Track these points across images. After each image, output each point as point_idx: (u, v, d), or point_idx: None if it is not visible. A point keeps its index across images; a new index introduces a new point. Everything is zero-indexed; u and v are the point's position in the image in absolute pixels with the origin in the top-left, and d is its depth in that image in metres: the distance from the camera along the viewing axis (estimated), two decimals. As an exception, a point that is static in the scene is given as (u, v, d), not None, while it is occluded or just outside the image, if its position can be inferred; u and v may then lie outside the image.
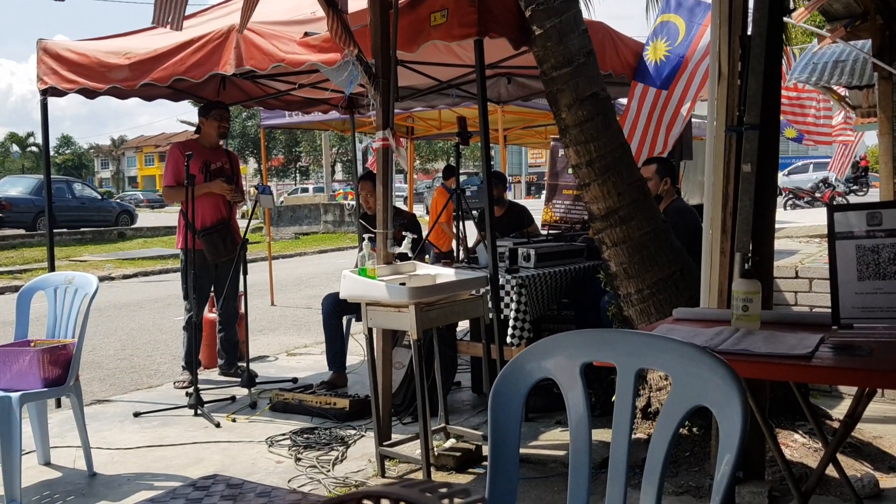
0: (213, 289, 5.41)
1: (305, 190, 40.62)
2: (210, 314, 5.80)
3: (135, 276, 13.40)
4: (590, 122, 3.59)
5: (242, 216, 30.68)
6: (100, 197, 24.53)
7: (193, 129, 5.58)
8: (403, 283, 3.38)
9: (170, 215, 25.25)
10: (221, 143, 5.55)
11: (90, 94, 4.99)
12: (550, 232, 5.92)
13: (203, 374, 5.56)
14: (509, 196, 7.40)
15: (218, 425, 4.31)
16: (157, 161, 69.28)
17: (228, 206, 5.33)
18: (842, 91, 8.44)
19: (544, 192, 7.28)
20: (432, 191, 5.45)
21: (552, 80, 3.63)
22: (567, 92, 3.60)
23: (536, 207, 7.30)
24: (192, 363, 4.97)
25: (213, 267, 5.27)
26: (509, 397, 1.44)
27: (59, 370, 3.41)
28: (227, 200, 5.32)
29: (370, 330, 3.51)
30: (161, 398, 5.03)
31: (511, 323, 4.11)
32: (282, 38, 4.11)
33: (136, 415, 4.60)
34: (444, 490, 0.89)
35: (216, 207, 5.17)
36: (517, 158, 58.96)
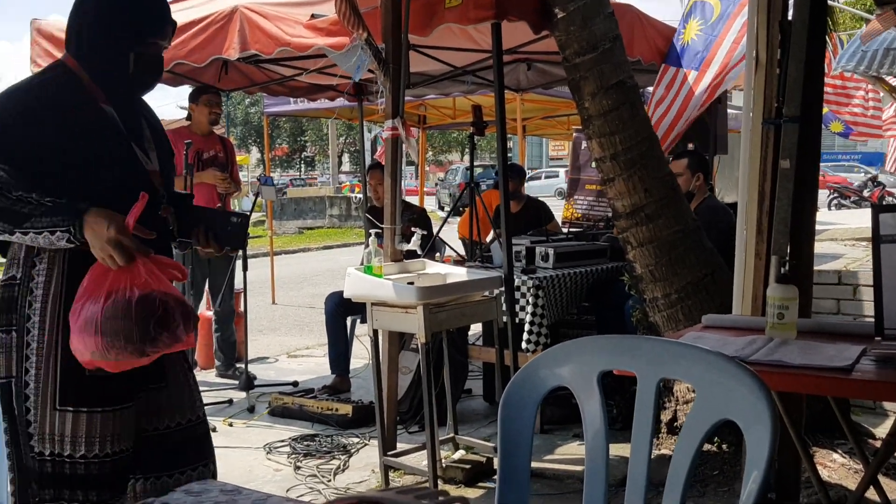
0: (207, 284, 5.43)
1: (301, 182, 40.81)
2: (206, 312, 5.82)
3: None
4: (615, 112, 3.57)
5: (253, 210, 30.97)
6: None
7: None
8: (412, 283, 3.38)
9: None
10: (218, 129, 5.57)
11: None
12: (571, 230, 5.89)
13: (199, 375, 5.56)
14: (527, 191, 7.35)
15: (214, 429, 4.32)
16: (155, 149, 69.67)
17: (223, 197, 5.35)
18: (893, 81, 8.35)
19: (564, 186, 7.24)
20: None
21: (575, 66, 3.61)
22: (591, 79, 3.58)
23: (557, 203, 7.26)
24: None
25: (207, 261, 5.29)
26: (521, 406, 1.43)
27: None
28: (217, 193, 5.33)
29: (375, 332, 3.51)
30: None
31: (526, 327, 4.10)
32: (287, 20, 4.11)
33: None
34: (441, 499, 0.88)
35: (209, 198, 5.17)
36: (537, 150, 58.86)
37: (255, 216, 18.51)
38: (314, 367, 6.01)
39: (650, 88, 5.66)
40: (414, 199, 8.58)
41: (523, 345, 4.08)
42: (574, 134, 7.36)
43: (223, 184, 5.24)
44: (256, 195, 5.58)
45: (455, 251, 5.28)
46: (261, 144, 45.86)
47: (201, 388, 5.56)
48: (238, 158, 6.02)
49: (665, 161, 3.74)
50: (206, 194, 5.18)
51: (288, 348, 6.83)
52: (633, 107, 3.61)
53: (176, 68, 4.81)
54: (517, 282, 4.11)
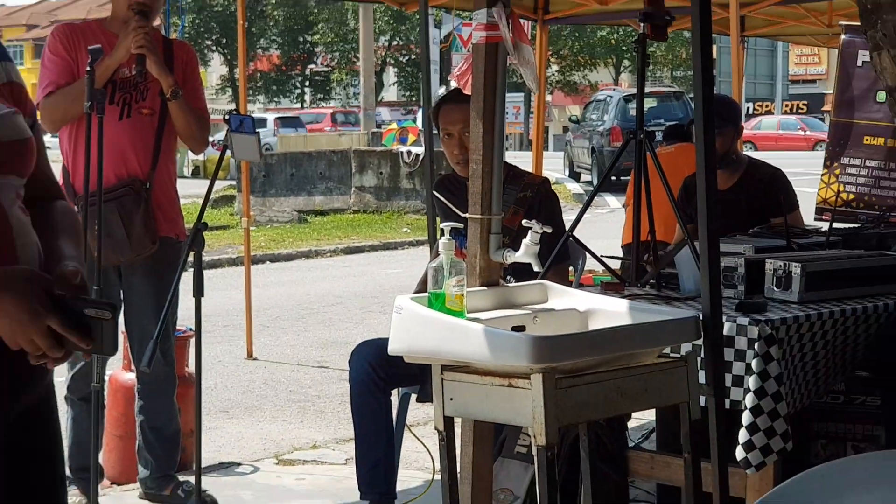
0: (122, 322, 5.54)
1: (303, 124, 41.40)
2: (123, 375, 5.92)
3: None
4: (930, -3, 3.51)
5: (197, 172, 31.29)
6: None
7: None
8: (522, 327, 3.38)
9: (56, 168, 26.46)
10: (158, 23, 5.68)
11: None
12: (836, 226, 5.82)
13: (110, 497, 5.70)
14: (747, 149, 7.23)
15: None
16: (31, 58, 71.74)
17: (153, 151, 5.39)
18: None
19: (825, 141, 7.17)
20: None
21: None
22: (882, -69, 3.53)
23: (807, 171, 7.20)
24: (87, 473, 5.10)
25: (118, 276, 5.39)
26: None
27: None
28: (148, 139, 5.38)
29: (449, 421, 3.53)
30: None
31: (746, 419, 4.07)
32: None
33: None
34: None
35: (121, 152, 5.24)
36: (766, 66, 58.38)
37: (218, 188, 18.62)
38: (328, 484, 6.07)
39: None
40: (525, 162, 8.60)
41: (739, 453, 4.05)
42: (843, 37, 7.27)
43: (140, 36, 5.16)
44: (223, 151, 5.66)
45: (605, 264, 5.27)
46: (229, 50, 46.71)
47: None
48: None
49: None
50: (117, 143, 5.21)
51: (278, 446, 6.92)
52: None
53: None
54: (729, 329, 4.09)
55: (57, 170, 5.59)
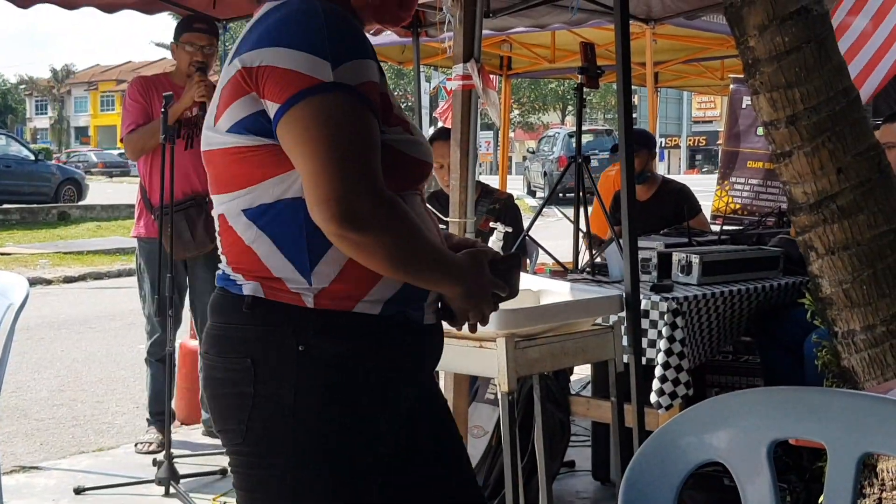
0: (188, 303, 5.54)
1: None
2: (189, 342, 5.93)
3: (82, 278, 13.83)
4: (795, 55, 3.52)
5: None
6: (33, 157, 25.41)
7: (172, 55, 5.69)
8: (489, 304, 3.39)
9: (135, 187, 26.29)
10: (212, 75, 5.68)
11: None
12: (726, 228, 5.84)
13: (179, 434, 5.71)
14: (661, 169, 7.31)
15: (199, 512, 4.42)
16: (120, 104, 71.53)
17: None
18: None
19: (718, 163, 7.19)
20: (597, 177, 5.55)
21: (735, -15, 3.58)
22: (759, 4, 3.54)
23: (705, 188, 7.21)
24: (163, 416, 5.10)
25: (184, 267, 5.40)
26: (652, 490, 1.43)
27: (-32, 418, 3.55)
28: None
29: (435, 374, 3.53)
30: (116, 467, 5.18)
31: (658, 372, 4.08)
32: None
33: (79, 491, 4.75)
34: None
35: (186, 174, 5.25)
36: (675, 110, 58.42)
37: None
38: (344, 423, 6.07)
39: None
40: (493, 181, 8.61)
41: (653, 398, 4.06)
42: (732, 86, 7.30)
43: (202, 89, 5.15)
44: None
45: (553, 257, 5.28)
46: (270, 99, 46.44)
47: (182, 451, 5.66)
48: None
49: (868, 127, 3.67)
50: (183, 168, 5.20)
51: (307, 395, 6.91)
52: (822, 47, 3.55)
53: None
54: (645, 304, 4.10)
55: (135, 188, 5.65)
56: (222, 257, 2.08)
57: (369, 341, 1.96)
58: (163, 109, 4.81)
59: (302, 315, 1.94)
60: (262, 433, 1.96)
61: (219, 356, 2.02)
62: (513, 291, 2.12)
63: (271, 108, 1.88)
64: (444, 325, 2.13)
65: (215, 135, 2.00)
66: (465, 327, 2.11)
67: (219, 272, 2.09)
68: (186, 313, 5.57)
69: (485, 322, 2.07)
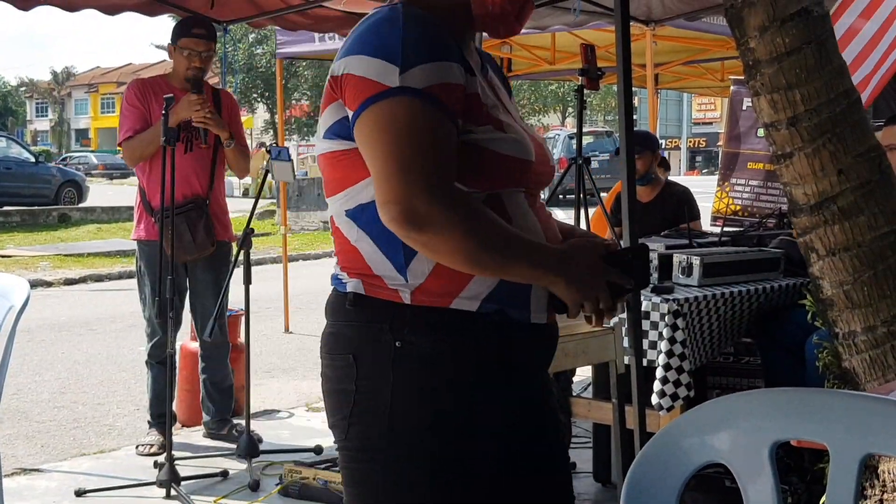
0: (188, 305, 5.54)
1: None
2: (190, 344, 5.93)
3: (82, 280, 13.84)
4: (795, 56, 3.52)
5: (246, 193, 31.37)
6: (33, 159, 25.43)
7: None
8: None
9: (136, 189, 26.32)
10: (211, 79, 5.68)
11: (23, 1, 5.17)
12: (726, 230, 5.83)
13: (180, 436, 5.71)
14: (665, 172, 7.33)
15: (200, 515, 4.41)
16: (120, 106, 71.51)
17: (209, 176, 5.45)
18: None
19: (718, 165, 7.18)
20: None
21: (736, -13, 3.58)
22: (759, 6, 3.54)
23: (705, 190, 7.21)
24: (163, 418, 5.10)
25: (185, 269, 5.40)
26: (655, 492, 1.43)
27: (-32, 421, 3.55)
28: (206, 166, 5.42)
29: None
30: (117, 469, 5.18)
31: (659, 373, 4.08)
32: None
33: (80, 493, 4.75)
34: None
35: (186, 177, 5.25)
36: (675, 111, 58.40)
37: (262, 204, 18.71)
38: (345, 425, 6.07)
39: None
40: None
41: (654, 399, 4.06)
42: (732, 87, 7.29)
43: (200, 113, 5.21)
44: (265, 175, 5.67)
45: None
46: (271, 100, 46.65)
47: (183, 453, 5.66)
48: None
49: (869, 129, 3.67)
50: (183, 171, 5.21)
51: (308, 397, 6.92)
52: (823, 48, 3.55)
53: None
54: (646, 306, 4.10)
55: (134, 191, 5.65)
56: (334, 258, 2.15)
57: (466, 338, 1.98)
58: (163, 112, 4.81)
59: (399, 311, 1.97)
60: (363, 429, 2.01)
61: (328, 354, 2.10)
62: (639, 283, 2.12)
63: (349, 114, 1.96)
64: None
65: (318, 141, 2.10)
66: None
67: (332, 273, 2.15)
68: (186, 315, 5.57)
69: (607, 314, 2.03)
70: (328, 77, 2.04)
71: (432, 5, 2.05)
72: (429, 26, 1.97)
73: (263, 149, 5.39)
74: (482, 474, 2.01)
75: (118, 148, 5.57)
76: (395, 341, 1.96)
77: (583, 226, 5.25)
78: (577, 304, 2.00)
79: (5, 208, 21.97)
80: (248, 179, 31.64)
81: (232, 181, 26.51)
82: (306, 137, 56.72)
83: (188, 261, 5.37)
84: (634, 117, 4.81)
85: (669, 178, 6.62)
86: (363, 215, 2.01)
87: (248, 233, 5.06)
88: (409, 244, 1.92)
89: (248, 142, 6.37)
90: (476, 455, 2.00)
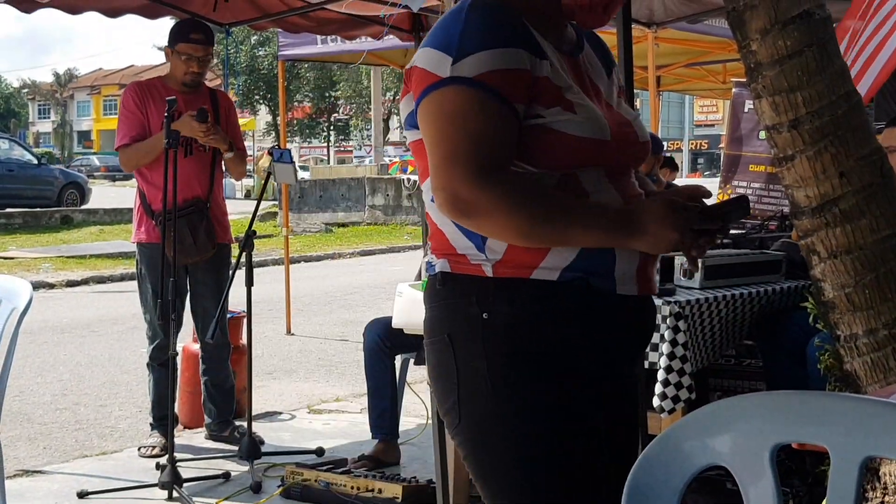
0: (189, 306, 5.54)
1: (342, 161, 41.15)
2: (191, 346, 5.93)
3: (85, 282, 13.87)
4: (797, 59, 3.52)
5: (248, 195, 31.37)
6: (35, 161, 25.46)
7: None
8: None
9: (131, 189, 26.27)
10: (213, 81, 5.69)
11: (27, 4, 5.18)
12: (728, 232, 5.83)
13: (182, 438, 5.71)
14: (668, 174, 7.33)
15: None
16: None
17: (209, 179, 5.45)
18: None
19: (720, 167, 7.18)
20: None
21: (737, -11, 3.58)
22: (761, 8, 3.54)
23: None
24: (166, 420, 5.10)
25: (185, 272, 5.40)
26: (656, 494, 1.43)
27: (-29, 422, 3.55)
28: (205, 170, 5.43)
29: (438, 378, 3.53)
30: (119, 471, 5.18)
31: (660, 376, 4.08)
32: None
33: (82, 495, 4.75)
34: None
35: (187, 180, 5.24)
36: (677, 113, 58.41)
37: (264, 206, 18.73)
38: (347, 427, 6.08)
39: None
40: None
41: (655, 401, 4.05)
42: (734, 90, 7.29)
43: (205, 135, 5.22)
44: (266, 177, 5.68)
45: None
46: (273, 102, 46.70)
47: (185, 455, 5.66)
48: (240, 122, 6.13)
49: (871, 131, 3.67)
50: (184, 174, 5.21)
51: (310, 399, 6.93)
52: (825, 50, 3.55)
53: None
54: (647, 308, 4.09)
55: (133, 193, 5.66)
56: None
57: (547, 306, 2.02)
58: (165, 114, 4.80)
59: (483, 284, 2.03)
60: (473, 407, 2.04)
61: (428, 339, 2.14)
62: (728, 226, 2.19)
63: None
64: None
65: (405, 132, 2.17)
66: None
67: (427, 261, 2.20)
68: (187, 317, 5.57)
69: (697, 255, 2.07)
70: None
71: None
72: (493, 14, 2.02)
73: (267, 154, 5.39)
74: (580, 435, 2.04)
75: (116, 152, 5.58)
76: (482, 313, 2.01)
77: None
78: (661, 251, 2.06)
79: (8, 210, 21.98)
80: (249, 181, 31.74)
81: (234, 183, 26.50)
82: (308, 139, 56.72)
83: (189, 263, 5.37)
84: (636, 120, 4.79)
85: (671, 181, 6.62)
86: None
87: (250, 235, 5.07)
88: (463, 226, 2.00)
89: (250, 143, 6.38)
90: (571, 416, 2.03)
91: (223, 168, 5.61)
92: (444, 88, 1.97)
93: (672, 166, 7.19)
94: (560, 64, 2.09)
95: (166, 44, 5.47)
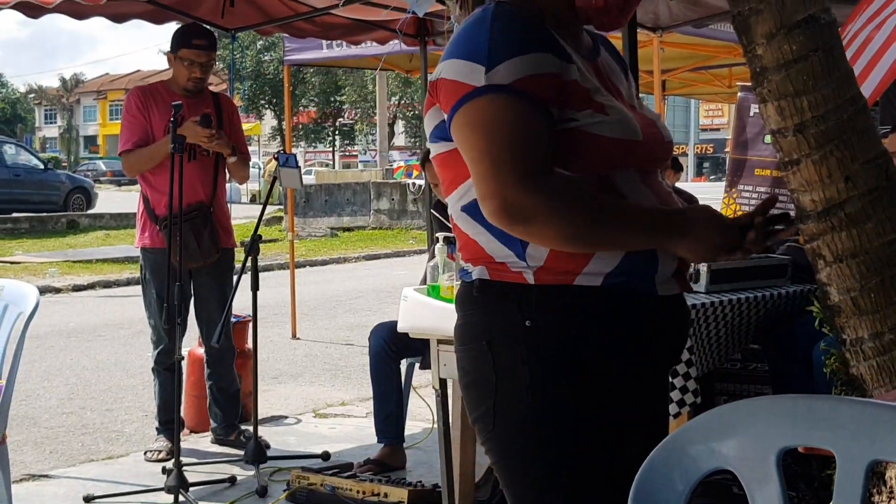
0: (193, 311, 5.54)
1: (347, 166, 41.18)
2: (197, 350, 5.94)
3: (91, 286, 13.87)
4: (802, 63, 3.52)
5: (253, 199, 31.41)
6: (42, 166, 25.53)
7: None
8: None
9: (134, 193, 26.19)
10: (219, 86, 5.69)
11: (33, 10, 5.19)
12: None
13: (188, 442, 5.71)
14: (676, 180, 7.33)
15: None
16: (127, 113, 71.45)
17: (213, 183, 5.46)
18: None
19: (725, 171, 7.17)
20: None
21: (742, -6, 3.58)
22: (767, 13, 3.54)
23: (713, 196, 7.21)
24: (172, 424, 5.11)
25: (189, 276, 5.40)
26: (662, 499, 1.43)
27: (-23, 427, 3.55)
28: (209, 174, 5.43)
29: (443, 382, 3.53)
30: (125, 475, 5.19)
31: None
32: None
33: (88, 499, 4.75)
34: None
35: (191, 184, 5.23)
36: (682, 117, 58.38)
37: (269, 210, 18.75)
38: (353, 431, 6.08)
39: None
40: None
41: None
42: (739, 94, 7.28)
43: (209, 140, 5.23)
44: (272, 181, 5.68)
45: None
46: (278, 107, 46.73)
47: (191, 459, 5.66)
48: (244, 127, 6.15)
49: (876, 135, 3.66)
50: (188, 178, 5.20)
51: (315, 404, 6.93)
52: (830, 54, 3.55)
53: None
54: (652, 312, 4.09)
55: (136, 198, 5.67)
56: (459, 253, 2.20)
57: (592, 313, 2.01)
58: (172, 119, 4.79)
59: (525, 291, 2.01)
60: (509, 416, 2.03)
61: (462, 345, 2.12)
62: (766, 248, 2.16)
63: (445, 117, 2.04)
64: None
65: (428, 144, 2.16)
66: None
67: (459, 268, 2.21)
68: (191, 322, 5.57)
69: (744, 255, 2.09)
70: (429, 82, 2.11)
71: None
72: (517, 20, 2.02)
73: (273, 159, 5.46)
74: (618, 442, 2.04)
75: (120, 156, 5.59)
76: (524, 321, 2.00)
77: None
78: (700, 257, 2.07)
79: (14, 215, 22.06)
80: (254, 185, 31.75)
81: (239, 187, 26.51)
82: (314, 144, 56.75)
83: (193, 268, 5.38)
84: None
85: (677, 185, 6.62)
86: (478, 209, 2.03)
87: (256, 239, 5.07)
88: (515, 235, 1.97)
89: (256, 148, 6.36)
90: (613, 423, 2.03)
91: (226, 172, 5.62)
92: (480, 98, 1.95)
93: (676, 167, 7.16)
94: (585, 67, 2.10)
95: (168, 50, 5.47)
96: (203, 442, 5.77)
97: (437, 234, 3.68)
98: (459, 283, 2.18)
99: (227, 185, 6.05)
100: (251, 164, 5.97)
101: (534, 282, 2.00)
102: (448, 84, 2.01)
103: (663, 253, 2.05)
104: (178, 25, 5.70)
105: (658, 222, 2.02)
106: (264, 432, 5.66)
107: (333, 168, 48.91)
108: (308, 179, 28.18)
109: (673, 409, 4.05)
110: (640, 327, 2.06)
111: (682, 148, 57.19)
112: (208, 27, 5.93)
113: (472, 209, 2.06)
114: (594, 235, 1.97)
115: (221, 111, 5.52)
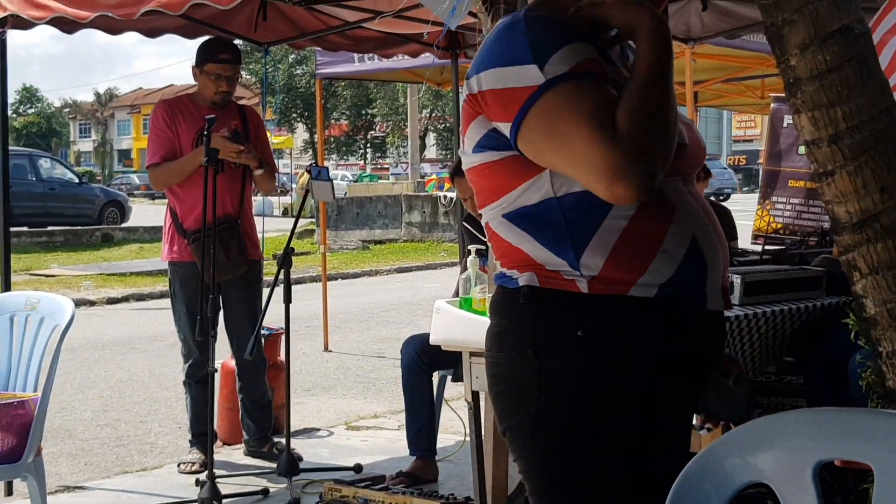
0: (223, 323, 5.55)
1: (367, 175, 41.22)
2: (231, 362, 5.96)
3: (125, 299, 13.98)
4: (836, 73, 3.49)
5: (286, 212, 31.57)
6: (77, 180, 25.79)
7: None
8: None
9: (160, 206, 26.29)
10: (251, 100, 5.73)
11: (68, 25, 5.24)
12: (767, 248, 5.79)
13: (222, 454, 5.73)
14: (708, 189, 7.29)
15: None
16: (161, 127, 71.88)
17: (240, 196, 5.48)
18: None
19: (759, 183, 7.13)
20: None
21: (776, 4, 3.56)
22: (800, 24, 3.52)
23: (746, 208, 7.17)
24: (205, 437, 5.13)
25: (218, 288, 5.42)
26: (696, 512, 1.43)
27: (13, 439, 3.58)
28: (237, 187, 5.45)
29: (476, 395, 3.53)
30: (159, 487, 5.21)
31: (701, 392, 4.05)
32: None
33: (122, 511, 4.78)
34: None
35: (219, 197, 5.24)
36: (715, 129, 58.14)
37: (301, 223, 18.80)
38: (385, 444, 6.08)
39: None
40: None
41: (695, 419, 4.03)
42: (772, 105, 7.26)
43: (237, 154, 5.26)
44: (305, 195, 5.71)
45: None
46: (310, 120, 46.97)
47: (224, 471, 5.68)
48: (276, 140, 6.17)
49: (913, 145, 3.63)
50: (227, 186, 5.24)
51: (347, 416, 6.93)
52: (864, 65, 3.52)
53: (192, 11, 4.99)
54: (686, 324, 4.07)
55: (163, 210, 5.70)
56: (497, 262, 2.16)
57: (646, 324, 1.99)
58: (205, 133, 4.83)
59: (578, 300, 1.98)
60: (554, 425, 1.99)
61: (501, 351, 2.07)
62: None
63: (504, 128, 1.98)
64: None
65: (466, 157, 2.12)
66: None
67: (496, 273, 2.15)
68: (221, 334, 5.58)
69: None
70: (465, 94, 2.07)
71: (560, 6, 2.08)
72: (550, 20, 2.01)
73: (305, 172, 5.50)
74: (660, 453, 2.03)
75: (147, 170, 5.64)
76: (576, 330, 1.96)
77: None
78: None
79: (50, 228, 22.27)
80: (286, 198, 31.90)
81: (272, 200, 26.65)
82: (345, 157, 56.96)
83: (222, 280, 5.39)
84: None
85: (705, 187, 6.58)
86: (525, 218, 2.02)
87: (289, 252, 5.09)
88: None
89: (287, 161, 6.38)
90: (657, 434, 2.02)
91: (252, 184, 5.65)
92: (548, 92, 1.91)
93: (706, 173, 7.17)
94: (619, 70, 2.08)
95: (193, 65, 5.51)
96: (236, 454, 5.79)
97: (468, 247, 3.68)
98: (496, 289, 2.14)
99: (259, 199, 6.09)
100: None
101: (587, 291, 1.97)
102: (500, 94, 1.97)
103: (712, 263, 2.07)
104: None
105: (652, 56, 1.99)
106: (297, 445, 5.67)
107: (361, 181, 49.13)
108: (339, 187, 28.30)
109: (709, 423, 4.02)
110: (690, 340, 2.04)
111: (715, 159, 56.96)
112: (236, 41, 5.98)
113: (517, 218, 2.03)
114: (666, 116, 1.96)
115: (248, 124, 5.56)
